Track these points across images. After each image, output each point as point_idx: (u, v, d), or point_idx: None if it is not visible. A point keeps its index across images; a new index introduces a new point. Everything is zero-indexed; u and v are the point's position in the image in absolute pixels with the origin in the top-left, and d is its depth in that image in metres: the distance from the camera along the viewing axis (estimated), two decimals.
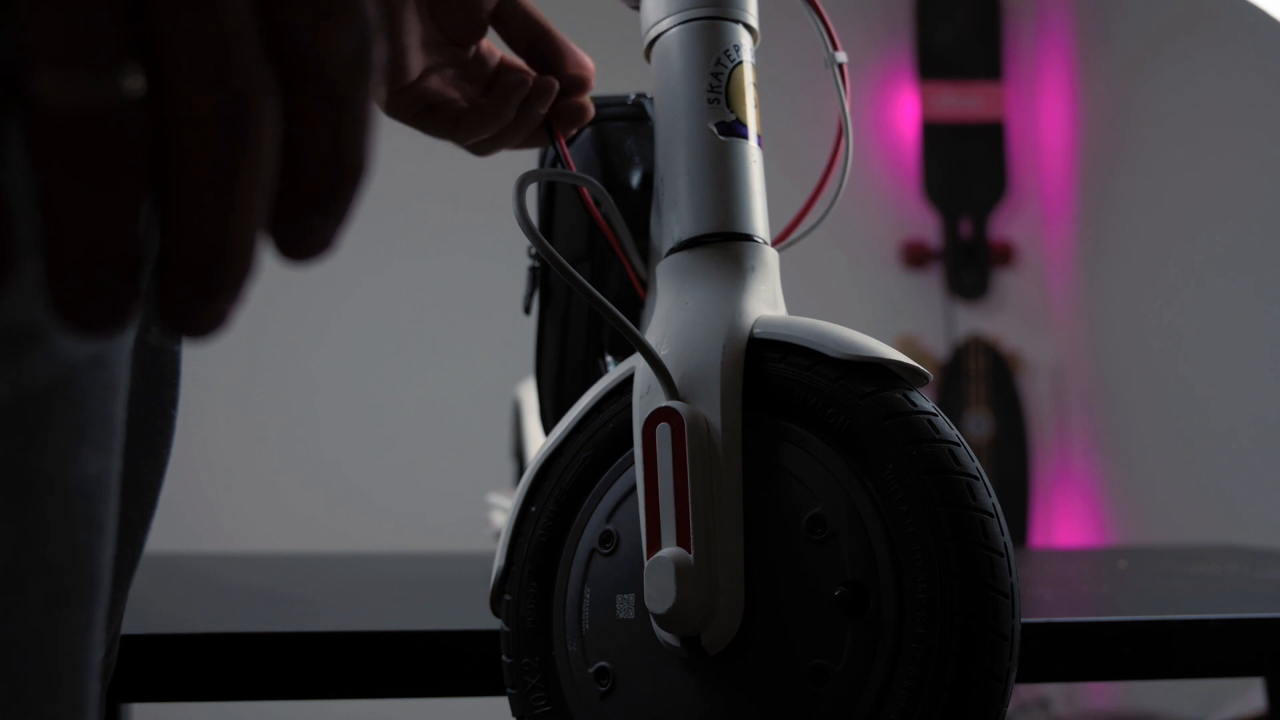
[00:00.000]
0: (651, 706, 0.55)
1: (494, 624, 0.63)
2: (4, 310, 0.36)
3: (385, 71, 0.68)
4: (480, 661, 0.69)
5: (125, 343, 0.43)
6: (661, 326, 0.60)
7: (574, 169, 0.71)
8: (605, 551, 0.58)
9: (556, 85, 0.72)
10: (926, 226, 3.14)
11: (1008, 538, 0.51)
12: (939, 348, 3.09)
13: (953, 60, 3.14)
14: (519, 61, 0.74)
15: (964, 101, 3.13)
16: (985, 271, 3.12)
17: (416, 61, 0.69)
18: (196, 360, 2.82)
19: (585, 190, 0.70)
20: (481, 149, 0.74)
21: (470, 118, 0.71)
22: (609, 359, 0.75)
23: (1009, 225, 3.16)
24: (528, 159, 0.80)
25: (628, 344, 0.72)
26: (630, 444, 0.59)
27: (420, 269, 2.91)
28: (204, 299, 0.30)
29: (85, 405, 0.40)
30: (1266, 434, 2.35)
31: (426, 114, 0.71)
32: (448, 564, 1.28)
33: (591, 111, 0.74)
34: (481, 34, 0.73)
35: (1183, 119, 2.64)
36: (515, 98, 0.71)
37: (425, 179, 2.84)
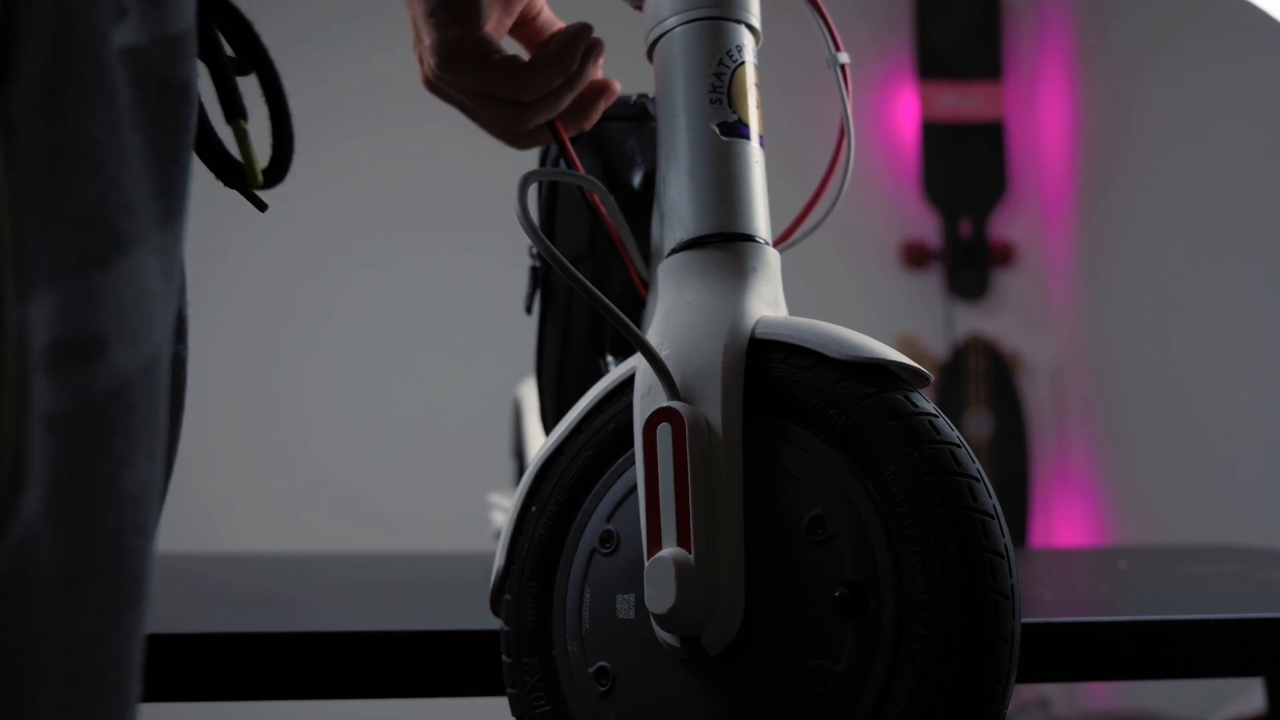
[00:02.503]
0: (651, 707, 0.55)
1: (494, 624, 0.63)
2: (70, 322, 0.38)
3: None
4: (480, 661, 0.69)
5: (169, 352, 0.44)
6: (663, 327, 0.60)
7: (580, 169, 0.71)
8: (605, 551, 0.58)
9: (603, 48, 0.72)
10: (926, 226, 3.14)
11: (1008, 539, 0.51)
12: (939, 348, 3.09)
13: (953, 60, 3.14)
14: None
15: (964, 101, 3.13)
16: (985, 271, 3.12)
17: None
18: (200, 360, 2.82)
19: (590, 191, 0.70)
20: (528, 115, 0.71)
21: (534, 66, 0.69)
22: (610, 359, 0.75)
23: (1009, 225, 3.16)
24: (529, 159, 0.80)
25: (629, 344, 0.72)
26: (631, 444, 0.59)
27: (422, 268, 2.90)
28: None
29: (138, 413, 0.41)
30: (1267, 434, 2.35)
31: (487, 63, 0.69)
32: (448, 564, 1.28)
33: (594, 121, 0.73)
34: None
35: (1182, 119, 2.64)
36: (580, 43, 0.70)
37: (427, 176, 2.84)
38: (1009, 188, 3.14)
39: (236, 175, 0.54)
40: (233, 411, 2.82)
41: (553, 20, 0.75)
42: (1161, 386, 2.71)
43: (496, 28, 0.72)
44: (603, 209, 0.69)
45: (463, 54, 0.68)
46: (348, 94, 2.81)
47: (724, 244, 0.60)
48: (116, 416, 0.39)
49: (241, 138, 0.52)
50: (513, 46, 0.74)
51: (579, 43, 0.70)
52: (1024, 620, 0.64)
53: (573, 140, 0.77)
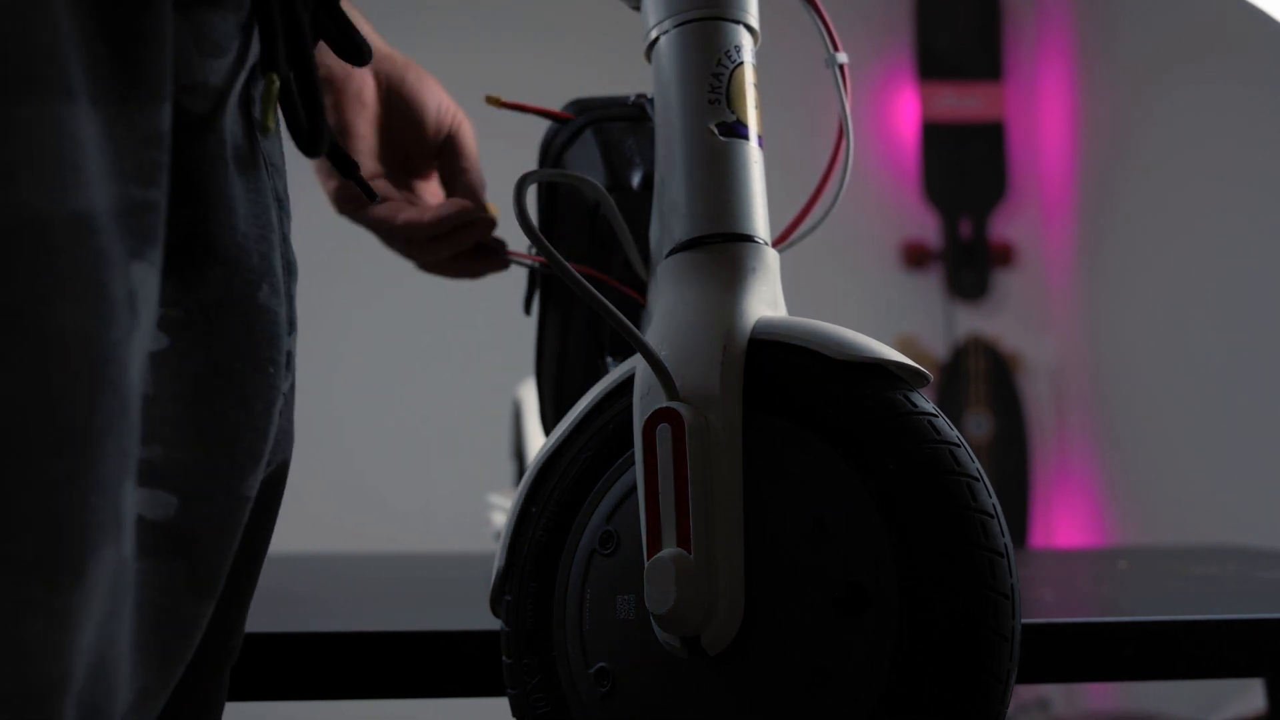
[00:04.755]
0: (651, 707, 0.55)
1: (494, 624, 0.63)
2: None
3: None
4: (480, 662, 0.69)
5: (120, 219, 0.44)
6: (662, 327, 0.60)
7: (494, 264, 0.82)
8: (605, 552, 0.58)
9: (495, 220, 0.80)
10: (926, 227, 3.14)
11: (1008, 539, 0.51)
12: (939, 348, 3.09)
13: (953, 61, 3.14)
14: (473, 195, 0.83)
15: (964, 102, 3.13)
16: (985, 272, 3.12)
17: (370, 164, 0.80)
18: None
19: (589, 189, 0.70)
20: (415, 256, 0.84)
21: (409, 223, 0.79)
22: (609, 359, 0.75)
23: (1009, 225, 3.16)
24: (529, 160, 0.80)
25: (628, 344, 0.72)
26: (631, 445, 0.59)
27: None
28: None
29: (62, 257, 0.41)
30: (1267, 434, 2.35)
31: (364, 216, 0.80)
32: (448, 564, 1.28)
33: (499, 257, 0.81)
34: (428, 162, 0.83)
35: (1183, 119, 2.64)
36: (451, 223, 0.78)
37: None
38: (1009, 188, 3.14)
39: (343, 161, 0.61)
40: None
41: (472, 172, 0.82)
42: (1161, 386, 2.71)
43: (422, 153, 0.82)
44: (600, 210, 0.69)
45: (340, 204, 0.80)
46: None
47: (723, 244, 0.60)
48: (24, 247, 0.40)
49: (268, 89, 0.53)
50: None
51: (452, 222, 0.79)
52: (1024, 620, 0.64)
53: (573, 139, 0.77)
